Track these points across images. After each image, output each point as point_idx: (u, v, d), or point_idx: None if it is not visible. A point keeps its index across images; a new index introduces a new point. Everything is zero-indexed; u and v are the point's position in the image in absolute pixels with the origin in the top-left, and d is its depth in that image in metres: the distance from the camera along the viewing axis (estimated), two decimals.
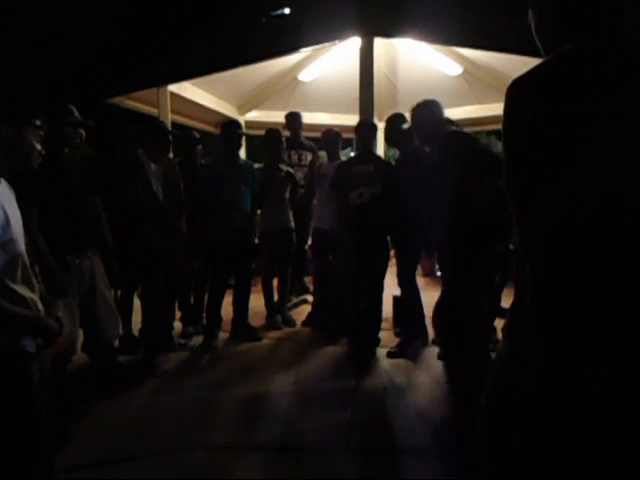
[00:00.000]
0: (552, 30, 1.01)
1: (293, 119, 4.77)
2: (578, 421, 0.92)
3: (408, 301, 3.68)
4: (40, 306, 1.54)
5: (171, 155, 4.44)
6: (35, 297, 1.52)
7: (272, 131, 4.09)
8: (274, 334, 4.02)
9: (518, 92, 0.93)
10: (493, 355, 3.35)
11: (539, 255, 0.93)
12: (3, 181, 1.48)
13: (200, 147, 4.02)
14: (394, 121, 3.58)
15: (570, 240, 0.88)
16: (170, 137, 3.48)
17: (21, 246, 1.48)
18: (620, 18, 0.93)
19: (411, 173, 3.37)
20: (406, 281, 3.62)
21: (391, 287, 3.82)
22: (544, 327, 0.92)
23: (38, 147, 1.60)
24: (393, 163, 3.95)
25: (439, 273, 4.46)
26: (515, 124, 0.94)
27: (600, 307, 0.87)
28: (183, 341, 3.78)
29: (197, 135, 4.05)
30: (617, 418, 0.89)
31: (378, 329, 3.71)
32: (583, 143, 0.86)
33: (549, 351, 0.92)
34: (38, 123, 1.60)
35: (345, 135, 4.26)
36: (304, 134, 4.93)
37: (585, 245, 0.87)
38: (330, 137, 4.08)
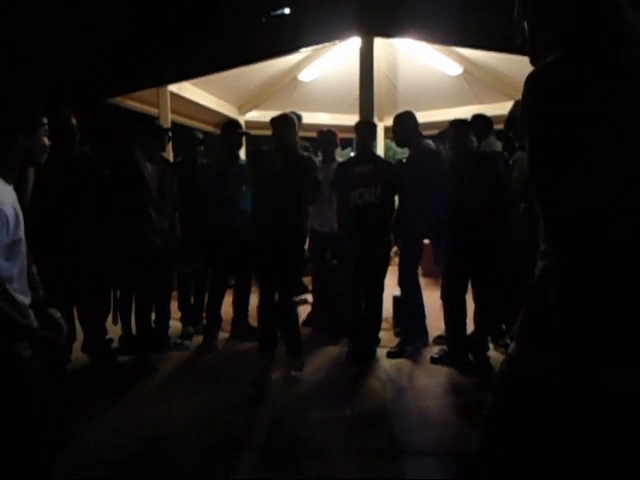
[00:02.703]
0: (552, 30, 1.00)
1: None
2: (601, 423, 0.89)
3: (409, 301, 3.68)
4: (29, 311, 1.54)
5: (171, 155, 4.44)
6: (27, 300, 1.52)
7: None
8: None
9: (540, 86, 0.92)
10: (490, 354, 3.38)
11: (567, 251, 0.90)
12: (11, 186, 1.51)
13: (202, 147, 4.02)
14: (403, 119, 3.56)
15: (600, 232, 0.85)
16: (165, 136, 3.48)
17: (24, 247, 1.49)
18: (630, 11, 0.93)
19: (421, 172, 3.37)
20: (408, 280, 3.62)
21: (391, 287, 3.82)
22: (571, 326, 0.89)
23: (47, 142, 1.62)
24: (394, 163, 3.96)
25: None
26: (541, 114, 0.92)
27: (632, 305, 0.85)
28: (179, 340, 3.79)
29: (200, 136, 4.04)
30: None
31: (378, 329, 3.71)
32: (611, 132, 0.85)
33: (575, 350, 0.89)
34: (45, 121, 1.61)
35: (345, 135, 4.24)
36: (303, 134, 4.92)
37: (616, 239, 0.84)
38: (326, 137, 4.07)
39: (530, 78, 0.93)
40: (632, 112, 0.85)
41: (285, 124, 3.20)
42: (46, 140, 1.60)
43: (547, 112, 0.90)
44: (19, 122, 1.53)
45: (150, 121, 3.82)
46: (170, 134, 3.56)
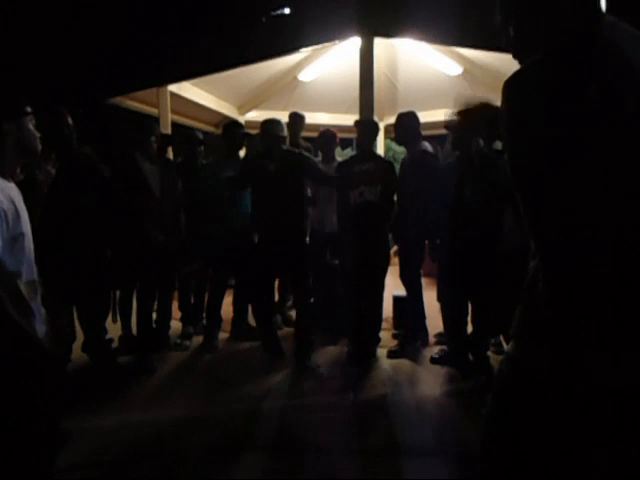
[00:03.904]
0: (536, 34, 1.01)
1: (297, 120, 4.75)
2: (599, 414, 0.90)
3: (410, 300, 3.68)
4: (41, 309, 1.54)
5: (171, 155, 4.43)
6: (38, 299, 1.52)
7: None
8: None
9: (517, 89, 0.93)
10: (491, 355, 3.37)
11: (549, 248, 0.93)
12: (13, 183, 1.52)
13: (202, 148, 4.02)
14: (403, 119, 3.56)
15: (579, 231, 0.88)
16: (152, 135, 3.48)
17: (30, 243, 1.50)
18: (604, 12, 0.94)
19: (418, 173, 3.37)
20: (409, 280, 3.62)
21: (391, 287, 3.81)
22: (557, 317, 0.91)
23: (36, 132, 1.61)
24: (394, 162, 3.96)
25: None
26: (518, 121, 0.93)
27: (613, 296, 0.86)
28: (179, 340, 3.79)
29: (200, 136, 4.04)
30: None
31: (378, 329, 3.71)
32: (589, 135, 0.86)
33: (565, 344, 0.91)
34: (29, 109, 1.61)
35: (345, 135, 4.23)
36: (303, 134, 4.92)
37: (595, 234, 0.87)
38: (327, 137, 4.07)
39: (505, 84, 0.95)
40: (606, 115, 0.86)
41: (278, 127, 3.39)
42: (35, 131, 1.60)
43: (523, 117, 0.92)
44: (2, 110, 1.53)
45: (145, 121, 3.83)
46: (161, 139, 3.54)
